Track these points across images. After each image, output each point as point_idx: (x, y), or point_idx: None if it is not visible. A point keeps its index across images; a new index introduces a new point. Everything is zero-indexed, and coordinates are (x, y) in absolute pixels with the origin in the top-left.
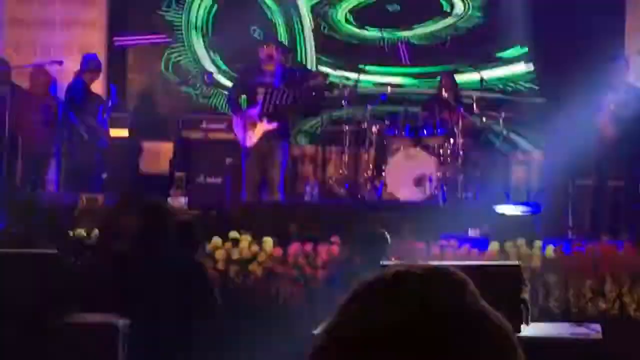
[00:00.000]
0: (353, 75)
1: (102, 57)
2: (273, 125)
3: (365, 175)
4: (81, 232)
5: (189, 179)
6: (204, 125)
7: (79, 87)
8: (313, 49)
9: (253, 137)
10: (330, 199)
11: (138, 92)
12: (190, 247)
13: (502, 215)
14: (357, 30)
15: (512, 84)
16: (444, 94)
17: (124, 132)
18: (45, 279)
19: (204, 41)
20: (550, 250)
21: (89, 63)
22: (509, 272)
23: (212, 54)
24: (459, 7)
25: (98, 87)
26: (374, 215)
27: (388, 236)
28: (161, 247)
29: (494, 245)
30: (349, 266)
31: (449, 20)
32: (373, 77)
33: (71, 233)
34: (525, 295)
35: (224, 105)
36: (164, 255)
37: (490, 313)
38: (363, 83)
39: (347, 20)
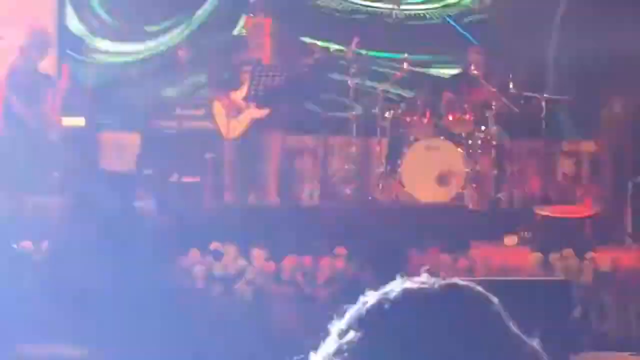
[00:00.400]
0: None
1: (52, 29)
2: (263, 112)
3: (377, 171)
4: (28, 243)
5: (160, 177)
6: (178, 111)
7: (24, 65)
8: None
9: (238, 126)
10: (334, 201)
11: (96, 72)
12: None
13: (545, 219)
14: None
15: None
16: (473, 70)
17: (79, 121)
18: None
19: None
20: (604, 262)
21: (37, 37)
22: (554, 290)
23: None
24: None
25: (47, 65)
26: (388, 220)
27: (405, 246)
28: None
29: (535, 256)
30: (357, 284)
31: None
32: None
33: (15, 246)
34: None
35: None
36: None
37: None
38: None
39: None
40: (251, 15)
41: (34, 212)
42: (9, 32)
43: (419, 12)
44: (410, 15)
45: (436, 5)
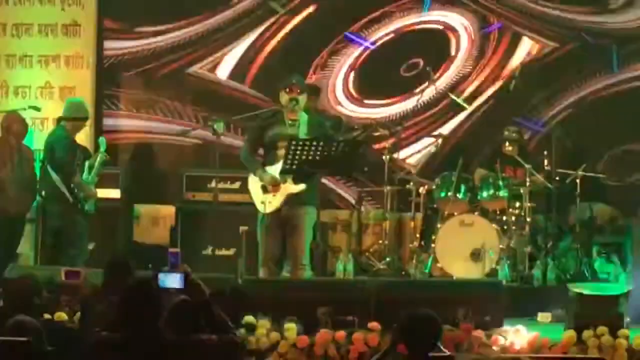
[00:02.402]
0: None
1: (89, 101)
2: (298, 187)
3: (411, 246)
4: (62, 315)
5: (194, 251)
6: (212, 184)
7: (60, 137)
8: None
9: (273, 200)
10: (368, 275)
11: (132, 145)
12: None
13: (580, 296)
14: None
15: None
16: (507, 147)
17: (115, 193)
18: None
19: None
20: (638, 340)
21: (73, 109)
22: None
23: None
24: None
25: (84, 138)
26: (422, 296)
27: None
28: (151, 333)
29: (569, 334)
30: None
31: None
32: None
33: (49, 316)
34: None
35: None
36: (155, 343)
37: None
38: None
39: None
40: (287, 90)
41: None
42: (45, 104)
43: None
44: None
45: None
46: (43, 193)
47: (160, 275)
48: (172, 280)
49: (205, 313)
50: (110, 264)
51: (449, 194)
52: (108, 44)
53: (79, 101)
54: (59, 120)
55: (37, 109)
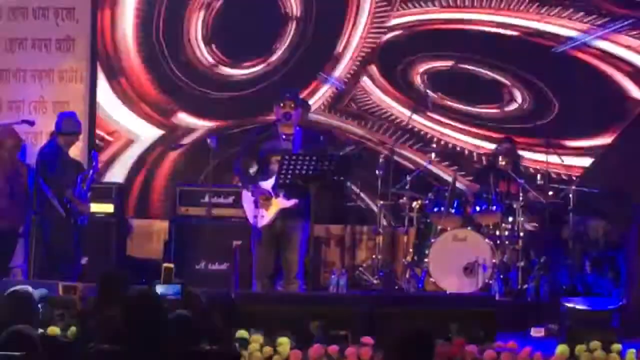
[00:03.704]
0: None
1: (81, 115)
2: (291, 202)
3: (404, 261)
4: (55, 329)
5: (187, 265)
6: (206, 199)
7: (53, 151)
8: None
9: (266, 215)
10: (361, 290)
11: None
12: (189, 344)
13: (573, 311)
14: None
15: None
16: (501, 162)
17: (108, 208)
18: None
19: None
20: (632, 355)
21: (66, 123)
22: None
23: None
24: None
25: (76, 151)
26: (415, 310)
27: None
28: (152, 344)
29: (562, 349)
30: None
31: None
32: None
33: (42, 330)
34: None
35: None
36: (156, 355)
37: None
38: None
39: None
40: (281, 105)
41: (64, 297)
42: (39, 118)
43: None
44: None
45: None
46: (36, 207)
47: (158, 286)
48: (169, 291)
49: (205, 324)
50: (104, 278)
51: (442, 208)
52: None
53: (72, 115)
54: (52, 134)
55: (31, 123)
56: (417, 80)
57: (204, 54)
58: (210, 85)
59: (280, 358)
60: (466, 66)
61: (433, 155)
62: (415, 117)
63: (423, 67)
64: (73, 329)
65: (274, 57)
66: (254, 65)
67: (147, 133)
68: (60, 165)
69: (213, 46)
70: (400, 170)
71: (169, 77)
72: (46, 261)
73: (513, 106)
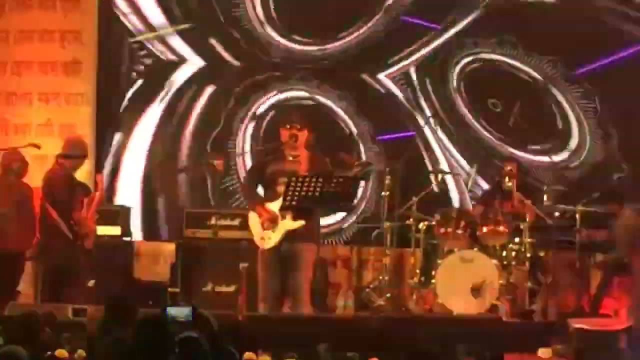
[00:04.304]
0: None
1: (88, 138)
2: (297, 223)
3: (411, 282)
4: (63, 352)
5: (194, 287)
6: (212, 221)
7: (60, 175)
8: None
9: (273, 236)
10: (368, 312)
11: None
12: None
13: (579, 331)
14: None
15: None
16: (507, 182)
17: (115, 230)
18: None
19: None
20: None
21: (73, 147)
22: None
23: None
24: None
25: (83, 174)
26: (422, 331)
27: (440, 358)
28: None
29: None
30: None
31: None
32: None
33: (49, 353)
34: None
35: (238, 198)
36: None
37: None
38: None
39: None
40: (288, 127)
41: (72, 320)
42: (45, 141)
43: None
44: None
45: None
46: (42, 231)
47: (169, 309)
48: (181, 313)
49: (215, 347)
50: (110, 301)
51: (449, 229)
52: None
53: (78, 138)
54: (58, 157)
55: (37, 146)
56: None
57: None
58: None
59: None
60: None
61: (439, 176)
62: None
63: None
64: (81, 352)
65: None
66: None
67: None
68: (67, 189)
69: None
70: (407, 190)
71: None
72: (54, 284)
73: None
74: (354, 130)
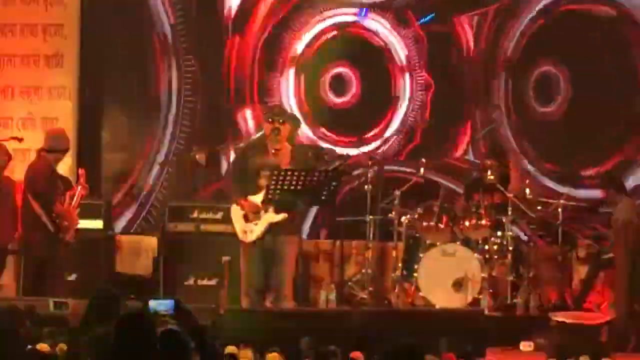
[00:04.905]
0: None
1: (70, 132)
2: (279, 216)
3: (393, 275)
4: (44, 346)
5: (176, 281)
6: (195, 215)
7: (42, 168)
8: None
9: (255, 229)
10: (350, 305)
11: (114, 175)
12: None
13: (561, 325)
14: None
15: None
16: (489, 176)
17: (97, 224)
18: None
19: None
20: None
21: (54, 140)
22: None
23: None
24: None
25: (65, 168)
26: (404, 325)
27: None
28: None
29: None
30: None
31: None
32: None
33: (30, 347)
34: None
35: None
36: None
37: None
38: None
39: None
40: (270, 120)
41: (55, 313)
42: (27, 135)
43: None
44: None
45: None
46: (24, 224)
47: (151, 302)
48: (163, 307)
49: (197, 340)
50: (96, 295)
51: (431, 223)
52: None
53: (60, 132)
54: (40, 150)
55: (20, 139)
56: None
57: None
58: None
59: None
60: None
61: (422, 170)
62: None
63: None
64: (62, 345)
65: None
66: None
67: None
68: (49, 182)
69: None
70: (390, 184)
71: None
72: (35, 278)
73: None
74: None
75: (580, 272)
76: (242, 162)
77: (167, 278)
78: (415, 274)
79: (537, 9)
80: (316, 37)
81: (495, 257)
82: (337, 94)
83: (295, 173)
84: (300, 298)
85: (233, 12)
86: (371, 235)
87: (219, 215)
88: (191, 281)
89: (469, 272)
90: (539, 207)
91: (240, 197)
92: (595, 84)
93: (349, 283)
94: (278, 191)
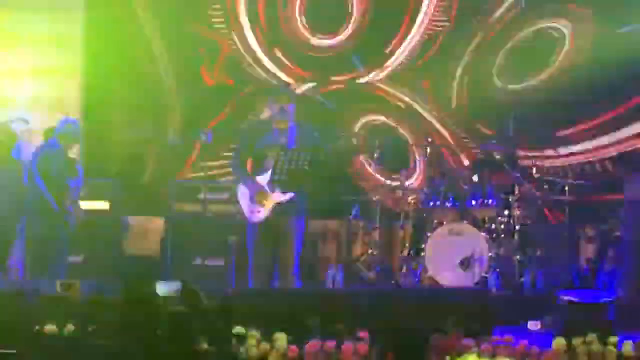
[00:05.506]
0: None
1: (75, 110)
2: (287, 196)
3: (400, 255)
4: (52, 327)
5: (184, 261)
6: (202, 195)
7: (51, 150)
8: None
9: (262, 210)
10: (358, 285)
11: (121, 156)
12: (186, 342)
13: (569, 304)
14: None
15: None
16: (496, 155)
17: (104, 205)
18: None
19: None
20: (628, 347)
21: (67, 126)
22: None
23: None
24: None
25: (73, 150)
26: (411, 304)
27: (427, 332)
28: (150, 343)
29: (558, 342)
30: None
31: None
32: None
33: (37, 328)
34: None
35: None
36: (155, 352)
37: None
38: None
39: None
40: (276, 100)
41: (62, 294)
42: (34, 116)
43: None
44: None
45: None
46: (31, 205)
47: (159, 284)
48: (169, 288)
49: (202, 321)
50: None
51: (438, 202)
52: None
53: (74, 123)
54: (49, 132)
55: (26, 121)
56: None
57: None
58: None
59: (277, 354)
60: None
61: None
62: None
63: None
64: (70, 326)
65: None
66: None
67: None
68: (56, 163)
69: None
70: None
71: None
72: (41, 258)
73: None
74: None
75: (588, 250)
76: (248, 141)
77: (174, 258)
78: (422, 254)
79: None
80: None
81: (502, 235)
82: None
83: (302, 153)
84: (308, 278)
85: None
86: (378, 215)
87: (226, 196)
88: (198, 261)
89: (476, 251)
90: (545, 187)
91: (245, 177)
92: None
93: (356, 263)
94: (285, 171)
